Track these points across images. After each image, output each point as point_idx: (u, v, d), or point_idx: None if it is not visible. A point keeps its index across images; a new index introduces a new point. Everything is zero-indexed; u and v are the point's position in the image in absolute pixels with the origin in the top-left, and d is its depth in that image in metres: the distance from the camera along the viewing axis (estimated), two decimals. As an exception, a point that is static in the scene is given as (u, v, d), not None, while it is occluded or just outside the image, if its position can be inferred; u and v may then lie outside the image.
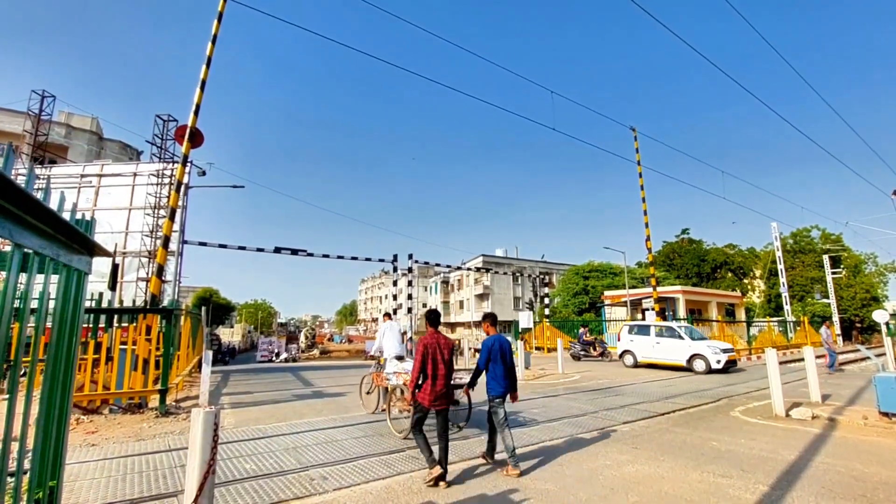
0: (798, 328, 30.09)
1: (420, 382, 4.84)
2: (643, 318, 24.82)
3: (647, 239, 23.08)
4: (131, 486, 4.57)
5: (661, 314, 22.81)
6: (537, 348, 27.87)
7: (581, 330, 22.80)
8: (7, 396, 2.11)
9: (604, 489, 4.38)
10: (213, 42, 12.35)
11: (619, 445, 6.01)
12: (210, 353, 9.83)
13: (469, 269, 41.83)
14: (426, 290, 75.23)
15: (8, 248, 1.78)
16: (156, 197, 21.00)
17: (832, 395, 9.85)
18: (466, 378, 5.99)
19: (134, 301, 19.56)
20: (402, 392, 6.69)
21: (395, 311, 24.30)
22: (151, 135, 22.97)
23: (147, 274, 20.01)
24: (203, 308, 22.81)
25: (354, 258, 23.55)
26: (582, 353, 20.97)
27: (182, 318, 12.41)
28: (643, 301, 26.00)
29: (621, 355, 17.71)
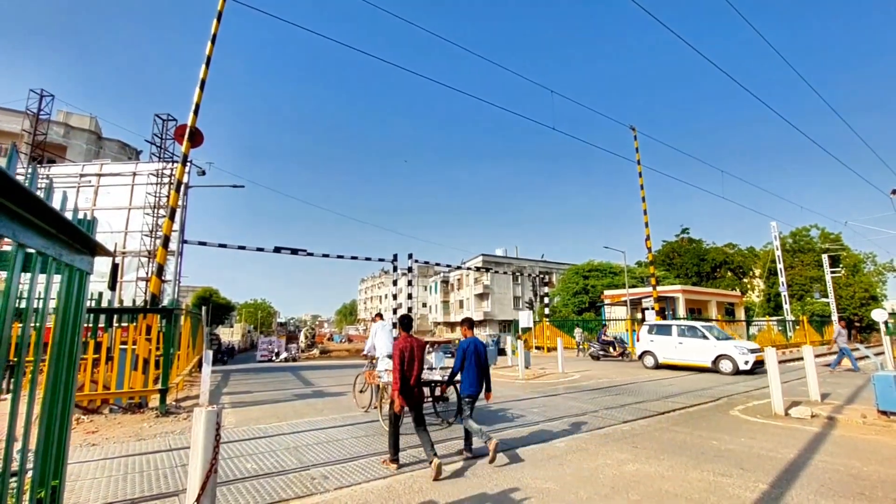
0: (797, 327, 30.13)
1: (401, 384, 5.10)
2: (643, 318, 24.83)
3: (647, 238, 23.11)
4: (132, 486, 4.58)
5: (661, 313, 22.84)
6: (537, 347, 27.90)
7: (601, 329, 22.33)
8: (6, 397, 2.12)
9: (604, 488, 4.39)
10: (213, 41, 12.34)
11: (620, 444, 6.02)
12: (210, 352, 9.83)
13: (469, 268, 41.86)
14: (426, 289, 75.21)
15: (8, 248, 1.79)
16: (155, 196, 20.99)
17: (831, 393, 9.87)
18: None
19: (134, 301, 19.56)
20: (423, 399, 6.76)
21: (394, 311, 24.31)
22: (151, 134, 22.98)
23: (147, 273, 20.01)
24: (203, 308, 22.80)
25: (354, 258, 23.56)
26: (601, 352, 20.42)
27: (182, 317, 12.41)
28: (643, 300, 26.02)
29: (641, 356, 17.11)
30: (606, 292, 34.62)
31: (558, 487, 4.41)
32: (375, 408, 7.73)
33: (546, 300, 32.87)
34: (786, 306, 30.92)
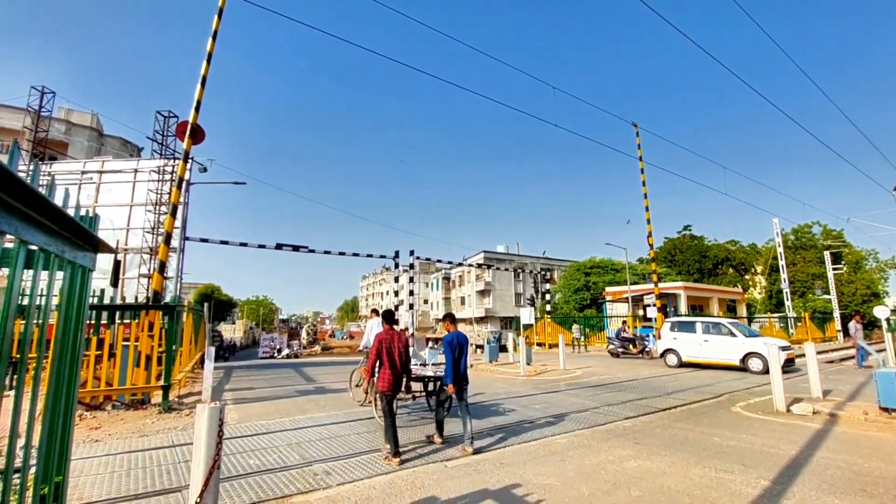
0: (799, 324, 30.08)
1: (377, 371, 5.53)
2: (645, 315, 24.80)
3: (649, 235, 23.06)
4: (135, 482, 4.60)
5: (663, 310, 22.82)
6: (539, 344, 27.91)
7: (620, 325, 21.66)
8: (9, 394, 2.13)
9: (606, 484, 4.39)
10: (214, 38, 12.31)
11: (621, 441, 6.02)
12: (213, 349, 9.86)
13: (470, 265, 41.84)
14: (428, 286, 75.24)
15: (10, 245, 1.79)
16: (157, 193, 20.98)
17: (833, 390, 9.86)
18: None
19: (136, 297, 19.59)
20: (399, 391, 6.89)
21: (396, 308, 24.34)
22: (152, 131, 23.00)
23: (149, 270, 20.04)
24: (205, 304, 22.86)
25: (356, 254, 23.53)
26: (621, 350, 19.79)
27: (184, 314, 12.44)
28: (645, 297, 25.97)
29: (663, 354, 16.32)
30: (608, 289, 34.60)
31: (560, 483, 4.42)
32: (370, 402, 7.89)
33: (547, 297, 32.86)
34: (788, 303, 30.87)
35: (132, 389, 8.58)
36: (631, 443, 5.92)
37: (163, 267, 11.67)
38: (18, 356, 2.07)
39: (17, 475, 1.98)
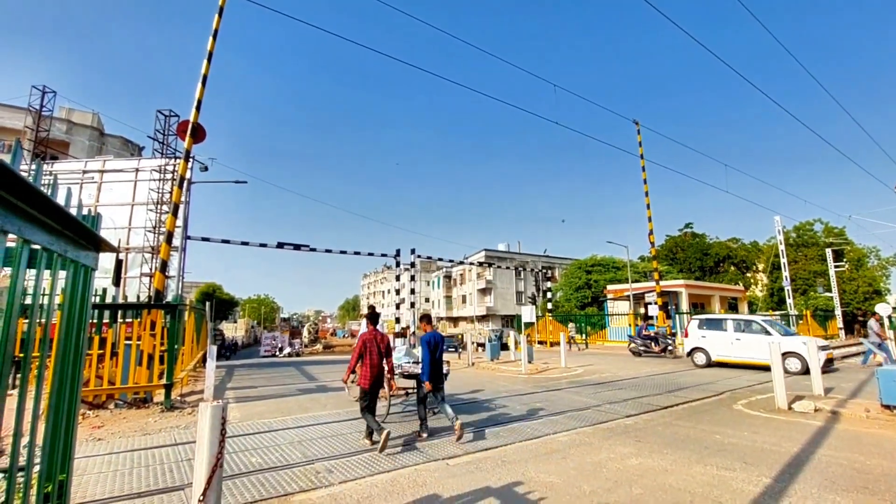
0: (801, 322, 30.03)
1: (357, 369, 5.96)
2: (646, 313, 24.80)
3: (650, 233, 23.05)
4: (138, 480, 4.62)
5: (664, 308, 22.81)
6: (540, 342, 27.95)
7: (641, 323, 21.04)
8: (13, 392, 2.14)
9: (608, 482, 4.40)
10: (214, 37, 12.30)
11: (623, 439, 6.03)
12: (214, 347, 9.88)
13: (471, 263, 41.87)
14: (429, 284, 75.27)
15: (13, 245, 1.79)
16: (158, 193, 21.01)
17: (834, 388, 9.86)
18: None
19: (138, 297, 19.63)
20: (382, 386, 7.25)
21: (397, 306, 24.35)
22: (153, 130, 22.98)
23: (150, 269, 20.07)
24: (207, 303, 22.89)
25: (357, 253, 23.54)
26: (643, 348, 19.17)
27: (186, 313, 12.46)
28: (646, 295, 25.96)
29: (690, 353, 15.62)
30: (609, 287, 34.59)
31: (561, 481, 4.43)
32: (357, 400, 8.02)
33: (549, 295, 32.87)
34: (789, 301, 30.81)
35: (134, 388, 8.61)
36: (632, 440, 5.92)
37: (164, 266, 11.69)
38: (22, 355, 2.07)
39: (21, 473, 1.99)
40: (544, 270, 37.16)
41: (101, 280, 14.72)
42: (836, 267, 34.11)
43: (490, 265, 48.10)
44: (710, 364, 14.90)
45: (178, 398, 9.39)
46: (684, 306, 27.86)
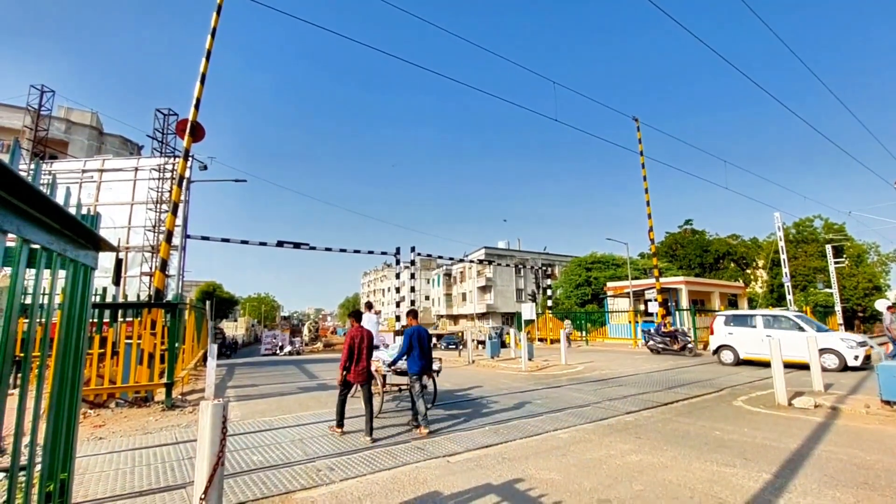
0: (801, 318, 29.98)
1: (349, 365, 6.29)
2: (646, 310, 24.81)
3: (650, 230, 23.05)
4: (139, 479, 4.63)
5: (664, 305, 22.82)
6: (540, 339, 27.98)
7: (659, 321, 20.62)
8: (14, 392, 2.14)
9: (608, 478, 4.41)
10: (213, 35, 12.27)
11: (623, 435, 6.04)
12: (215, 346, 9.89)
13: (471, 261, 41.81)
14: (429, 282, 75.30)
15: (11, 244, 1.79)
16: (157, 192, 21.00)
17: (834, 384, 9.88)
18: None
19: (138, 296, 19.63)
20: (374, 377, 7.67)
21: (397, 304, 24.37)
22: (152, 129, 22.94)
23: (150, 268, 20.08)
24: (207, 302, 22.90)
25: (357, 251, 23.54)
26: (661, 346, 18.61)
27: (186, 312, 12.47)
28: (646, 292, 25.97)
29: (716, 351, 14.97)
30: (609, 284, 34.59)
31: (562, 478, 4.44)
32: (353, 395, 8.22)
33: (549, 292, 32.88)
34: (789, 297, 30.81)
35: (135, 387, 8.62)
36: (632, 437, 5.93)
37: (164, 265, 11.69)
38: (22, 355, 2.08)
39: (22, 473, 1.99)
40: (544, 268, 37.17)
41: (101, 279, 14.70)
42: (835, 263, 34.10)
43: (490, 263, 48.10)
44: (739, 362, 14.27)
45: (179, 397, 9.40)
46: (684, 303, 27.85)
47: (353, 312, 6.89)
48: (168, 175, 21.15)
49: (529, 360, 14.61)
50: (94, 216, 2.59)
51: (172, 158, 21.51)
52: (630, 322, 26.18)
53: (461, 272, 66.37)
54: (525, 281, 60.40)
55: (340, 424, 6.34)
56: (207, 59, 12.12)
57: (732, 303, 34.67)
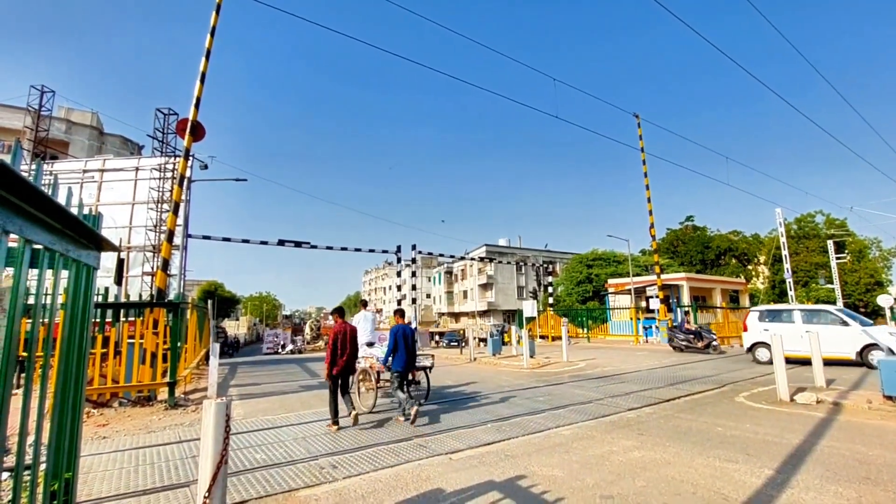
0: (802, 314, 29.96)
1: (334, 359, 6.58)
2: (647, 306, 24.80)
3: (651, 226, 23.04)
4: (143, 477, 4.64)
5: (666, 301, 22.83)
6: (541, 337, 27.99)
7: (682, 317, 20.18)
8: (18, 391, 2.15)
9: (611, 475, 4.42)
10: (212, 34, 12.26)
11: (625, 432, 6.05)
12: (217, 345, 9.92)
13: (472, 258, 41.82)
14: (430, 280, 75.35)
15: (13, 244, 1.79)
16: (158, 191, 21.03)
17: (836, 379, 9.87)
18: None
19: (140, 295, 19.67)
20: (368, 373, 8.07)
21: (398, 302, 24.39)
22: (152, 129, 22.95)
23: (152, 268, 20.12)
24: (209, 301, 22.96)
25: (358, 250, 23.52)
26: (684, 343, 18.10)
27: (188, 311, 12.50)
28: (647, 289, 25.98)
29: (751, 348, 14.19)
30: (610, 281, 34.61)
31: (564, 474, 4.45)
32: (350, 392, 8.39)
33: (550, 290, 32.88)
34: (791, 293, 30.75)
35: (138, 386, 8.65)
36: (635, 433, 5.94)
37: (166, 264, 11.71)
38: (26, 355, 2.08)
39: (27, 472, 2.00)
40: (545, 265, 37.14)
41: (103, 279, 14.75)
42: (837, 258, 34.07)
43: (491, 260, 48.07)
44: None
45: (182, 396, 9.42)
46: (685, 299, 27.86)
47: (337, 309, 7.23)
48: (169, 174, 21.18)
49: (531, 357, 14.63)
50: (96, 216, 2.59)
51: (173, 158, 21.53)
52: (631, 319, 26.16)
53: (462, 270, 66.40)
54: (526, 278, 60.41)
55: (336, 421, 6.44)
56: (207, 58, 12.12)
57: (734, 298, 34.67)
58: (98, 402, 8.40)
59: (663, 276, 24.31)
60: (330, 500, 3.98)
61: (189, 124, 11.93)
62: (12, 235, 1.55)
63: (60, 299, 2.40)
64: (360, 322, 8.80)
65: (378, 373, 7.69)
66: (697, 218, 53.95)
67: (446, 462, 4.94)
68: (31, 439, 2.15)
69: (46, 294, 2.20)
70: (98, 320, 8.63)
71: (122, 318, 9.24)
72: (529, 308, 21.30)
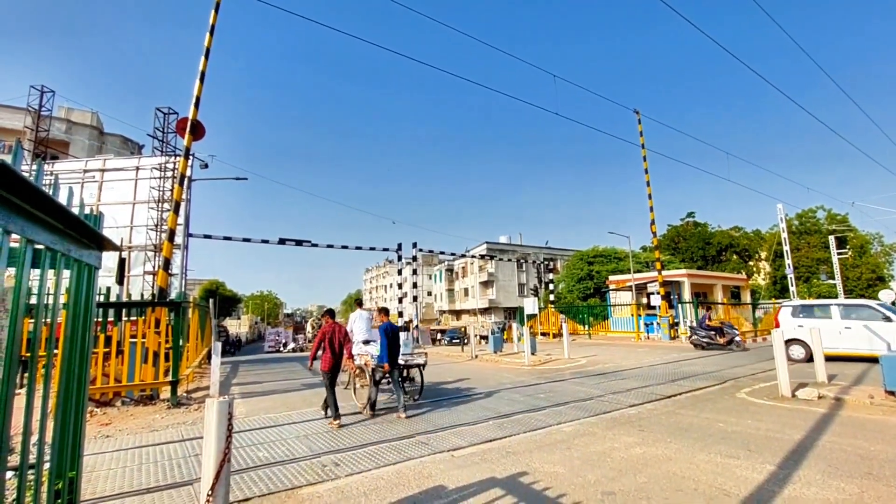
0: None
1: (320, 355, 7.02)
2: (649, 303, 24.77)
3: (652, 223, 23.02)
4: (147, 476, 4.66)
5: (667, 298, 22.81)
6: (543, 334, 27.99)
7: (703, 313, 19.69)
8: (21, 391, 2.16)
9: (612, 471, 4.42)
10: (212, 33, 12.24)
11: (627, 428, 6.06)
12: (219, 344, 9.94)
13: (473, 256, 41.83)
14: (431, 278, 75.38)
15: (15, 244, 1.80)
16: (159, 190, 21.05)
17: (838, 375, 9.87)
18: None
19: (142, 295, 19.71)
20: (363, 370, 8.18)
21: (399, 300, 24.35)
22: (152, 128, 22.95)
23: (153, 267, 20.17)
24: (210, 300, 22.99)
25: (359, 248, 23.59)
26: (705, 340, 17.43)
27: (190, 310, 12.52)
28: (648, 285, 25.95)
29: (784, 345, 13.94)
30: (611, 278, 34.54)
31: (566, 471, 4.46)
32: (346, 388, 8.91)
33: (551, 287, 32.87)
34: (792, 289, 30.77)
35: (141, 385, 8.68)
36: (636, 430, 5.95)
37: (167, 264, 11.73)
38: (28, 355, 2.09)
39: (31, 471, 2.01)
40: (546, 262, 37.16)
41: (105, 279, 14.78)
42: (839, 254, 34.02)
43: (492, 257, 48.11)
44: (811, 358, 12.36)
45: (184, 395, 9.45)
46: (686, 296, 27.82)
47: (327, 311, 7.82)
48: (169, 174, 21.19)
49: (532, 354, 14.64)
50: (97, 216, 2.60)
51: (173, 157, 21.55)
52: (632, 315, 26.14)
53: (463, 267, 66.42)
54: (527, 275, 60.40)
55: (337, 416, 6.62)
56: (207, 57, 12.10)
57: (735, 294, 34.61)
58: (101, 402, 8.42)
59: (664, 273, 24.29)
60: (332, 498, 3.99)
61: (189, 123, 11.92)
62: (14, 235, 1.56)
63: (62, 299, 2.41)
64: (357, 321, 8.89)
65: (373, 370, 7.74)
66: (698, 214, 54.05)
67: (448, 459, 4.96)
68: (34, 438, 2.16)
69: (48, 294, 2.21)
70: (100, 320, 8.65)
71: (124, 318, 9.27)
72: (530, 305, 21.30)
